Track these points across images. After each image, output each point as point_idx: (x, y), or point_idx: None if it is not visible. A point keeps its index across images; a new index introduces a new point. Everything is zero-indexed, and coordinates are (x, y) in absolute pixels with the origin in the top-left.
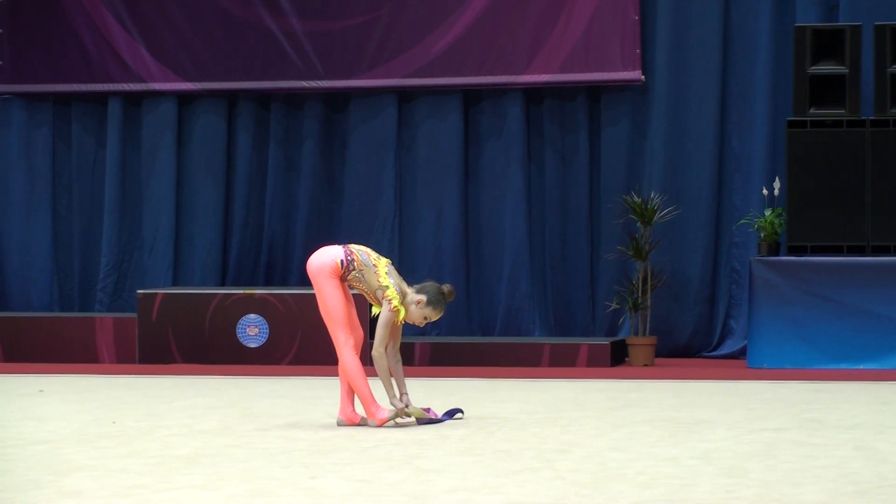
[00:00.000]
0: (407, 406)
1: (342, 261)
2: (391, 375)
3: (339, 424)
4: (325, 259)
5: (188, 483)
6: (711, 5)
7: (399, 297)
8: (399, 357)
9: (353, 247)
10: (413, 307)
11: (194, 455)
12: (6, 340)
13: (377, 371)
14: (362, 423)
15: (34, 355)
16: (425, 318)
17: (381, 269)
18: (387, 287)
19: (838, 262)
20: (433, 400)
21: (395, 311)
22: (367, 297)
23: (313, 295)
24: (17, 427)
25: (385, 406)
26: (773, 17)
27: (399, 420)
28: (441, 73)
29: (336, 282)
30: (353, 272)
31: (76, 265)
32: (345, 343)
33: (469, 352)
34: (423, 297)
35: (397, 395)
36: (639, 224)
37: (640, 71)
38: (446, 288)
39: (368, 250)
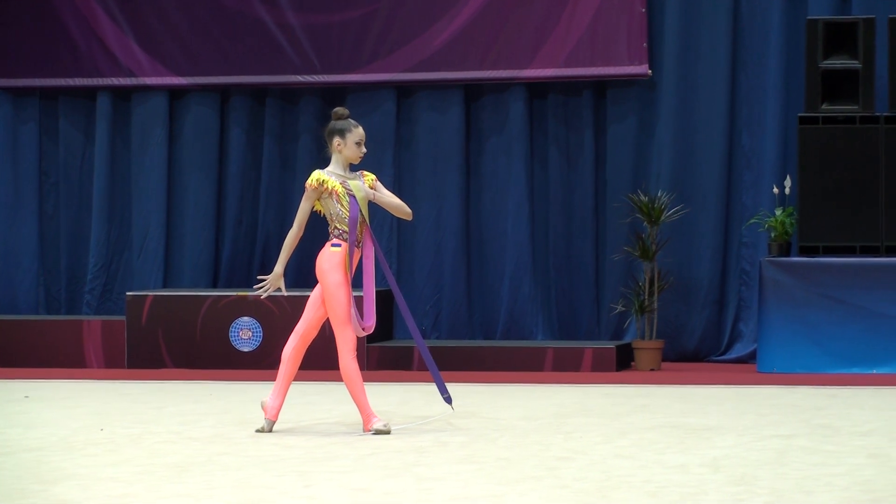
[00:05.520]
0: None
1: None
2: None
3: (262, 405)
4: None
5: (178, 492)
6: None
7: (314, 176)
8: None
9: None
10: (341, 155)
11: (185, 463)
12: None
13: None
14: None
15: (19, 359)
16: (357, 144)
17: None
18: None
19: (851, 262)
20: (433, 406)
21: (311, 187)
22: (336, 215)
23: (308, 297)
24: (2, 434)
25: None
26: (785, 10)
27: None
28: (441, 68)
29: (341, 276)
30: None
31: (63, 266)
32: (342, 344)
33: (469, 356)
34: (335, 141)
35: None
36: (645, 224)
37: (648, 65)
38: (336, 113)
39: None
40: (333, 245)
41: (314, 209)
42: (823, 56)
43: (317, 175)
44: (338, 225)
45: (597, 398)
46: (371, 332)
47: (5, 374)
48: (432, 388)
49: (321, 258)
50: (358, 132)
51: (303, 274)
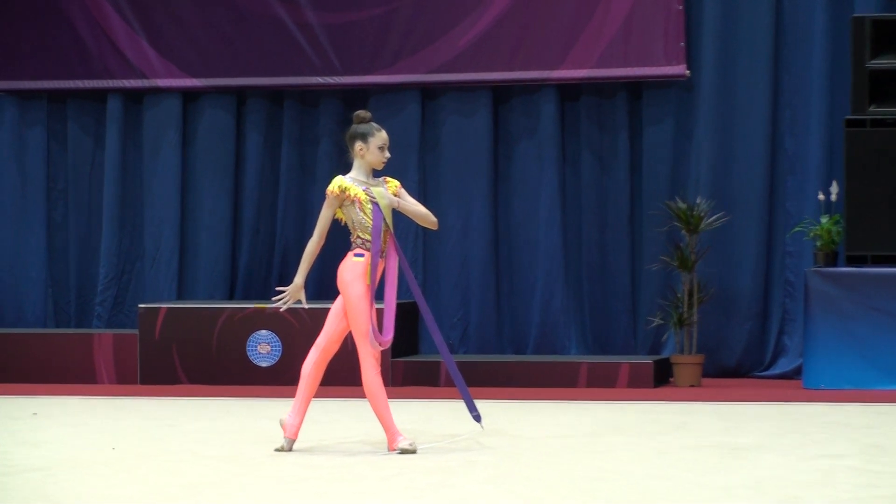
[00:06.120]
0: None
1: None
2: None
3: (281, 423)
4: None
5: None
6: None
7: (336, 182)
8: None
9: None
10: (363, 160)
11: (200, 484)
12: None
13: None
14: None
15: (27, 375)
16: (380, 149)
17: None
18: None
19: None
20: (461, 424)
21: (332, 194)
22: (359, 222)
23: (329, 310)
24: (8, 453)
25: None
26: (830, 7)
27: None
28: (468, 69)
29: (364, 287)
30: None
31: (72, 277)
32: (365, 358)
33: (499, 371)
34: (357, 146)
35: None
36: (684, 232)
37: (685, 65)
38: (357, 116)
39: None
40: (356, 255)
41: (335, 217)
42: (871, 55)
43: (338, 181)
44: (360, 234)
45: (633, 416)
46: (388, 346)
47: (12, 389)
48: (460, 405)
49: (343, 269)
50: (381, 136)
51: (324, 285)
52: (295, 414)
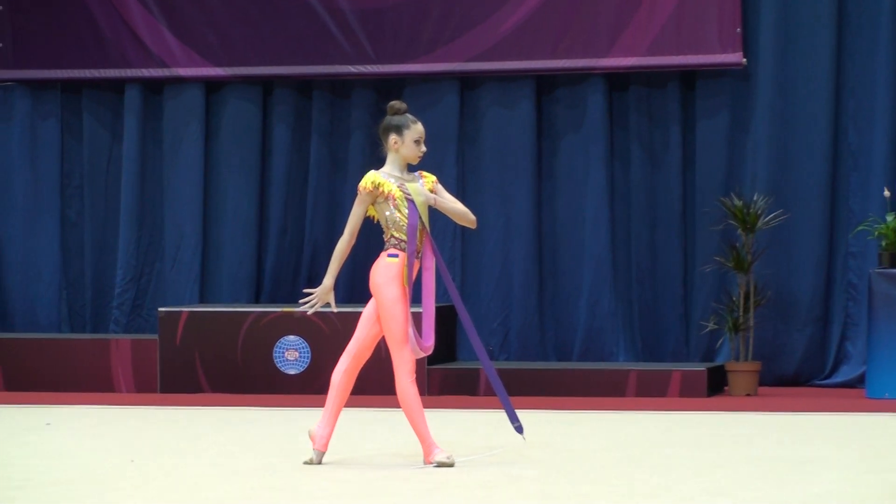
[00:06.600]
0: None
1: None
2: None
3: (310, 435)
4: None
5: None
6: None
7: (368, 177)
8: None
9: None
10: (398, 154)
11: (225, 499)
12: (8, 365)
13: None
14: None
15: (40, 382)
16: (416, 142)
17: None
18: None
19: None
20: (502, 436)
21: (364, 190)
22: (391, 217)
23: (360, 314)
24: (21, 466)
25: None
26: None
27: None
28: (510, 56)
29: (398, 290)
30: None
31: (88, 279)
32: (399, 366)
33: (542, 379)
34: (392, 139)
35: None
36: (740, 231)
37: (742, 53)
38: (392, 108)
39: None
40: (390, 255)
41: (368, 215)
42: None
43: (371, 177)
44: (394, 233)
45: (685, 427)
46: (430, 353)
47: (25, 398)
48: (501, 416)
49: (376, 270)
50: (417, 129)
51: (355, 287)
52: (325, 425)
